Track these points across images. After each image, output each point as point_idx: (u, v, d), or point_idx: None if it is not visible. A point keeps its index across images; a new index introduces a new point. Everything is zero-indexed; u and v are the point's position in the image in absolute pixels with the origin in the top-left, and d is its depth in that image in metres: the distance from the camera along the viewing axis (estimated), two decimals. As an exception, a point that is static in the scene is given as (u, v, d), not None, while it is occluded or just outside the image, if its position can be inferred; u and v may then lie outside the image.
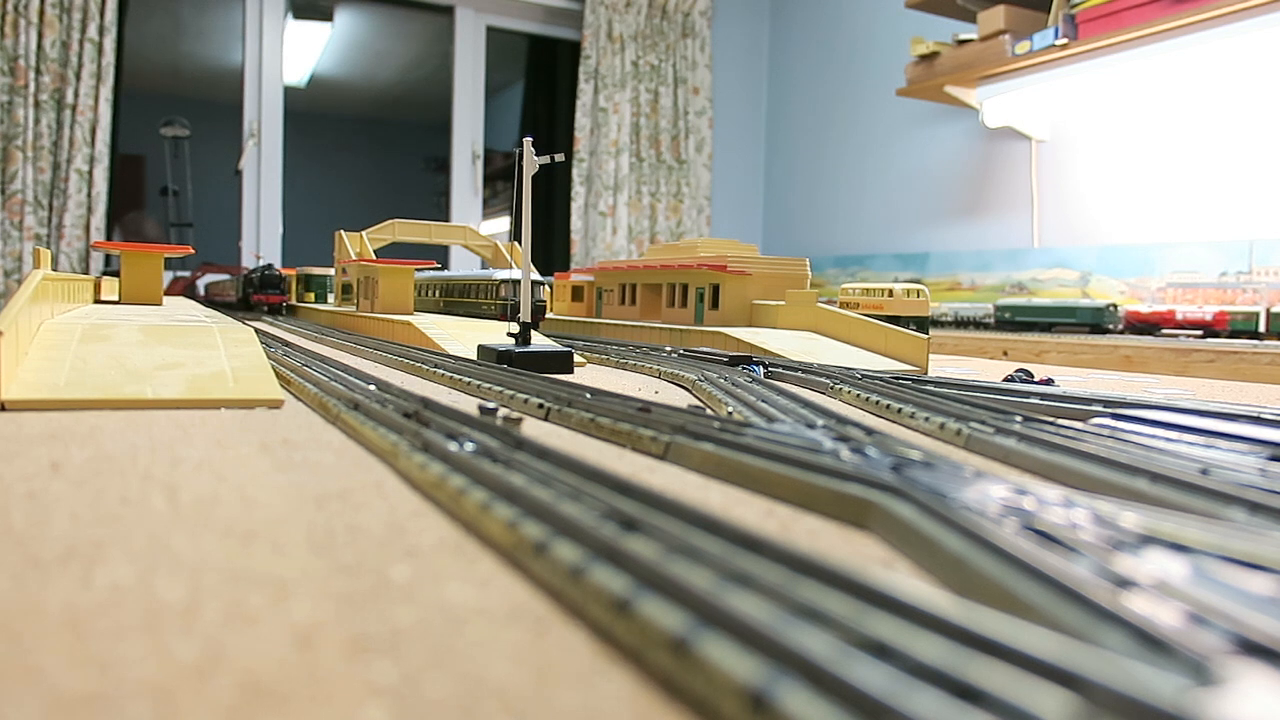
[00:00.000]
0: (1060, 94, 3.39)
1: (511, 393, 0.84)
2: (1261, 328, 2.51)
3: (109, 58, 3.68)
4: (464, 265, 3.87)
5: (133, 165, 5.39)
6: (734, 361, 1.17)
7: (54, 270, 1.27)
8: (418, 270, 1.93)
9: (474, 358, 1.17)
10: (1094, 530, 0.37)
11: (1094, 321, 2.74)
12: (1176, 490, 0.47)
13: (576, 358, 1.24)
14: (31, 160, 3.60)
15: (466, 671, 0.27)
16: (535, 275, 1.29)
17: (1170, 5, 2.63)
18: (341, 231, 2.18)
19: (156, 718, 0.23)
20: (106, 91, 3.67)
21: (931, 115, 3.99)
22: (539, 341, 1.21)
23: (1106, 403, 0.78)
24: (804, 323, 1.61)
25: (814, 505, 0.47)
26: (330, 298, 2.58)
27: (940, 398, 0.79)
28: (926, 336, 1.35)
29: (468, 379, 0.95)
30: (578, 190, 4.63)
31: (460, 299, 1.96)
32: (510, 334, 1.18)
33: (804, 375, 1.08)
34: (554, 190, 4.74)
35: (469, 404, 0.71)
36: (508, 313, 1.69)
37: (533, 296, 1.25)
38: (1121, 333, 2.73)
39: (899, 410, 0.80)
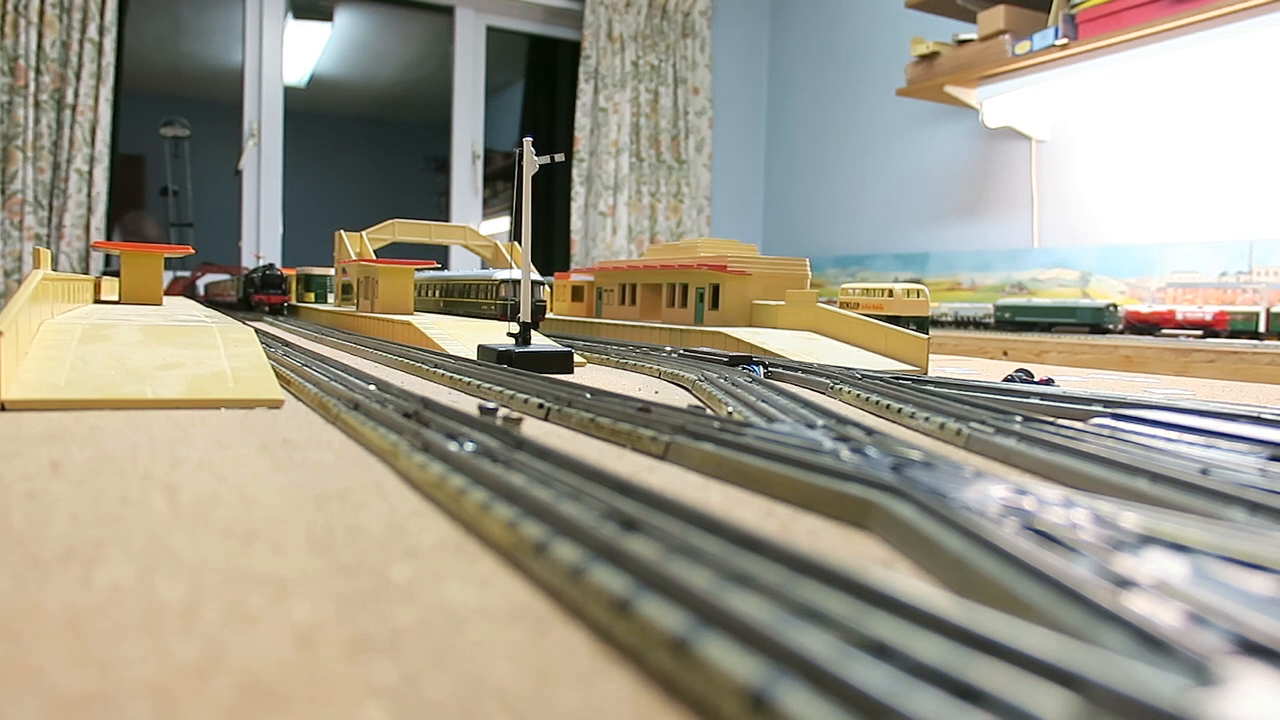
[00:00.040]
0: (1060, 94, 3.39)
1: (511, 393, 0.84)
2: (1261, 328, 2.51)
3: (109, 58, 3.68)
4: (464, 265, 3.88)
5: (133, 165, 5.39)
6: (734, 361, 1.17)
7: (54, 270, 1.27)
8: (418, 270, 1.93)
9: (474, 358, 1.17)
10: (1094, 530, 0.37)
11: (1094, 321, 2.74)
12: (1176, 490, 0.47)
13: (576, 358, 1.24)
14: (31, 160, 3.60)
15: (466, 671, 0.27)
16: (535, 275, 1.29)
17: (1170, 5, 2.63)
18: (341, 231, 2.18)
19: (156, 718, 0.23)
20: (106, 91, 3.67)
21: (931, 115, 3.99)
22: (539, 341, 1.21)
23: (1106, 403, 0.78)
24: (804, 323, 1.61)
25: (814, 505, 0.47)
26: (330, 298, 2.58)
27: (940, 398, 0.79)
28: (926, 336, 1.35)
29: (468, 379, 0.95)
30: (578, 190, 4.63)
31: (460, 299, 1.96)
32: (510, 334, 1.18)
33: (804, 375, 1.08)
34: (554, 190, 4.74)
35: (469, 404, 0.71)
36: (508, 313, 1.69)
37: (533, 296, 1.25)
38: (1121, 333, 2.73)
39: (899, 410, 0.80)
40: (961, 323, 3.24)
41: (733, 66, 5.03)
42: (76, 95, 3.63)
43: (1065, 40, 2.90)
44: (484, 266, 2.24)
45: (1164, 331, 2.67)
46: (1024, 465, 0.59)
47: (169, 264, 3.18)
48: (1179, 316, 2.66)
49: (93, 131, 3.67)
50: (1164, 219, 3.14)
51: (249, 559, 0.37)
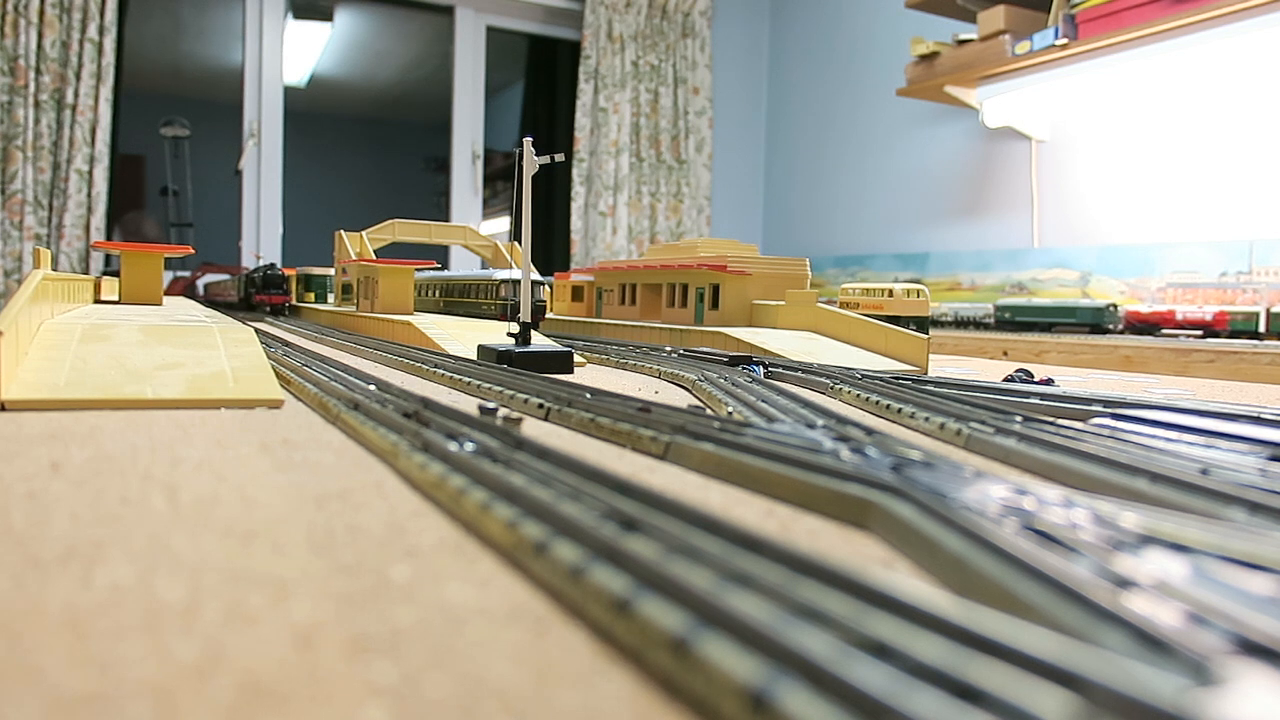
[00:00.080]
0: (1060, 94, 3.39)
1: (511, 393, 0.84)
2: (1261, 328, 2.51)
3: (109, 58, 3.68)
4: (464, 265, 3.88)
5: (133, 165, 5.39)
6: (734, 361, 1.17)
7: (54, 270, 1.27)
8: (418, 270, 1.93)
9: (474, 358, 1.17)
10: (1094, 530, 0.37)
11: (1094, 321, 2.74)
12: (1176, 490, 0.47)
13: (576, 358, 1.24)
14: (31, 160, 3.60)
15: (466, 671, 0.27)
16: (535, 275, 1.29)
17: (1170, 5, 2.63)
18: (341, 231, 2.18)
19: (156, 718, 0.23)
20: (106, 91, 3.68)
21: (931, 115, 3.99)
22: (539, 341, 1.21)
23: (1106, 403, 0.78)
24: (804, 323, 1.61)
25: (814, 505, 0.47)
26: (330, 298, 2.58)
27: (940, 398, 0.79)
28: (926, 336, 1.35)
29: (468, 379, 0.95)
30: (578, 190, 4.63)
31: (460, 299, 1.96)
32: (510, 334, 1.18)
33: (804, 375, 1.08)
34: (554, 190, 4.74)
35: (469, 404, 0.71)
36: (508, 313, 1.69)
37: (533, 296, 1.25)
38: (1121, 333, 2.73)
39: (899, 410, 0.80)
40: (961, 323, 3.24)
41: (733, 66, 5.03)
42: (76, 95, 3.63)
43: (1065, 40, 2.90)
44: (484, 266, 2.24)
45: (1164, 331, 2.67)
46: (1024, 465, 0.59)
47: (169, 264, 3.18)
48: (1179, 316, 2.66)
49: (93, 131, 3.67)
50: (1164, 219, 3.14)
51: (249, 559, 0.37)
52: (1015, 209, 3.66)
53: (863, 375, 1.02)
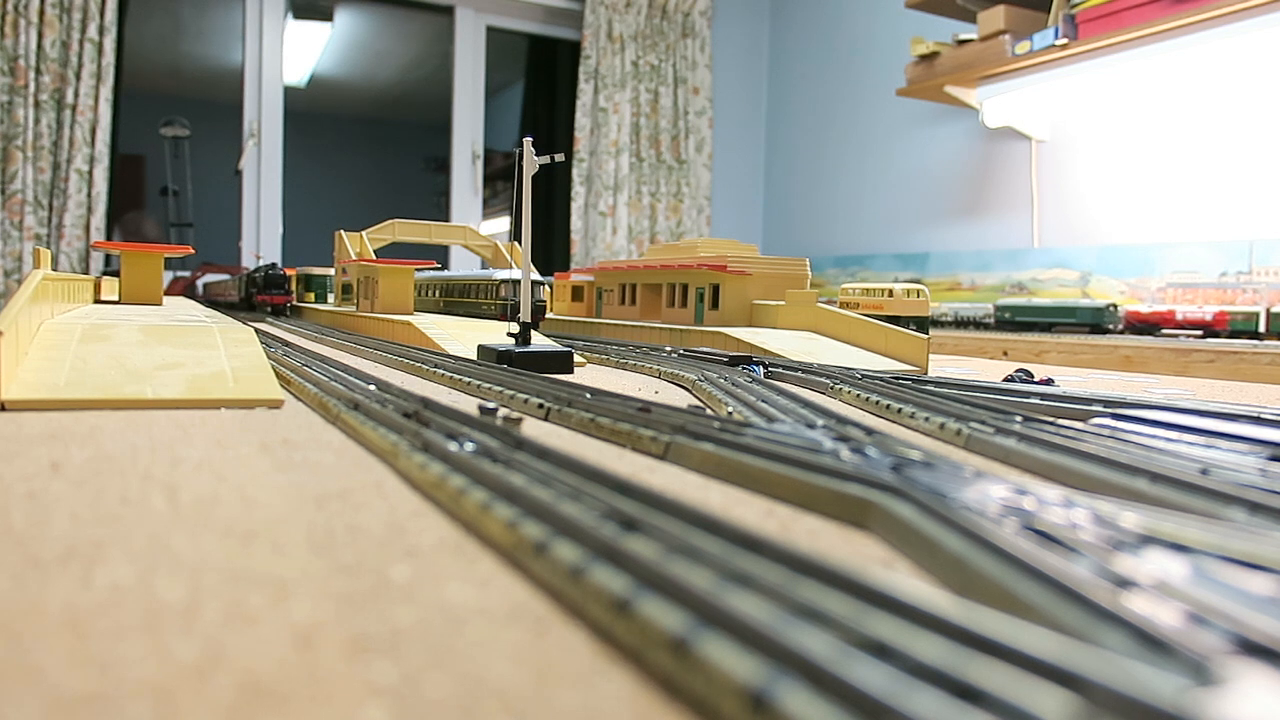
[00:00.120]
0: (1060, 94, 3.39)
1: (511, 393, 0.84)
2: (1261, 328, 2.51)
3: (109, 58, 3.68)
4: (464, 265, 3.88)
5: (133, 165, 5.39)
6: (734, 361, 1.17)
7: (54, 270, 1.27)
8: (418, 270, 1.93)
9: (474, 358, 1.17)
10: (1094, 530, 0.37)
11: (1094, 321, 2.74)
12: (1176, 490, 0.47)
13: (576, 358, 1.24)
14: (31, 160, 3.60)
15: (466, 671, 0.27)
16: (535, 275, 1.29)
17: (1170, 5, 2.63)
18: (341, 231, 2.18)
19: (156, 718, 0.23)
20: (106, 91, 3.68)
21: (931, 115, 3.99)
22: (539, 341, 1.21)
23: (1106, 403, 0.78)
24: (804, 323, 1.61)
25: (814, 505, 0.47)
26: (330, 298, 2.58)
27: (940, 398, 0.79)
28: (926, 336, 1.35)
29: (468, 379, 0.95)
30: (578, 190, 4.63)
31: (460, 299, 1.96)
32: (510, 334, 1.18)
33: (804, 375, 1.08)
34: (554, 190, 4.74)
35: (469, 404, 0.71)
36: (508, 313, 1.69)
37: (533, 296, 1.25)
38: (1121, 333, 2.73)
39: (899, 410, 0.80)
40: (961, 323, 3.24)
41: (733, 66, 5.03)
42: (76, 95, 3.63)
43: (1065, 40, 2.90)
44: (484, 266, 2.24)
45: (1164, 331, 2.67)
46: (1024, 465, 0.59)
47: (169, 264, 3.18)
48: (1179, 316, 2.66)
49: (93, 131, 3.67)
50: (1164, 219, 3.14)
51: (249, 559, 0.37)
52: (1015, 209, 3.66)
53: (863, 375, 1.02)
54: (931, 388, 0.90)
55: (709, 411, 0.70)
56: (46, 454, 0.55)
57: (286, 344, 1.29)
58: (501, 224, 5.53)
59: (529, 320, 1.17)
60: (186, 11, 5.43)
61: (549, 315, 2.15)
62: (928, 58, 3.46)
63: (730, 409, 0.79)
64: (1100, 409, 0.76)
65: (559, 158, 1.13)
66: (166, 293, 2.34)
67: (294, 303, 2.55)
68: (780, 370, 1.14)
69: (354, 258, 2.06)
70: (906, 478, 0.46)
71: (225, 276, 3.21)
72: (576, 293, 2.28)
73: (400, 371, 1.14)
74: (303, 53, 5.56)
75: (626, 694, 0.26)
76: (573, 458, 0.47)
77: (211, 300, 3.03)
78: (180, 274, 3.73)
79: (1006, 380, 1.05)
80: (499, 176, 5.36)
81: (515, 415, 0.65)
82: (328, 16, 5.14)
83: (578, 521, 0.36)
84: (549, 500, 0.39)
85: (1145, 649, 0.24)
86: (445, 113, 4.71)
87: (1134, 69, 3.04)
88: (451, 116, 4.65)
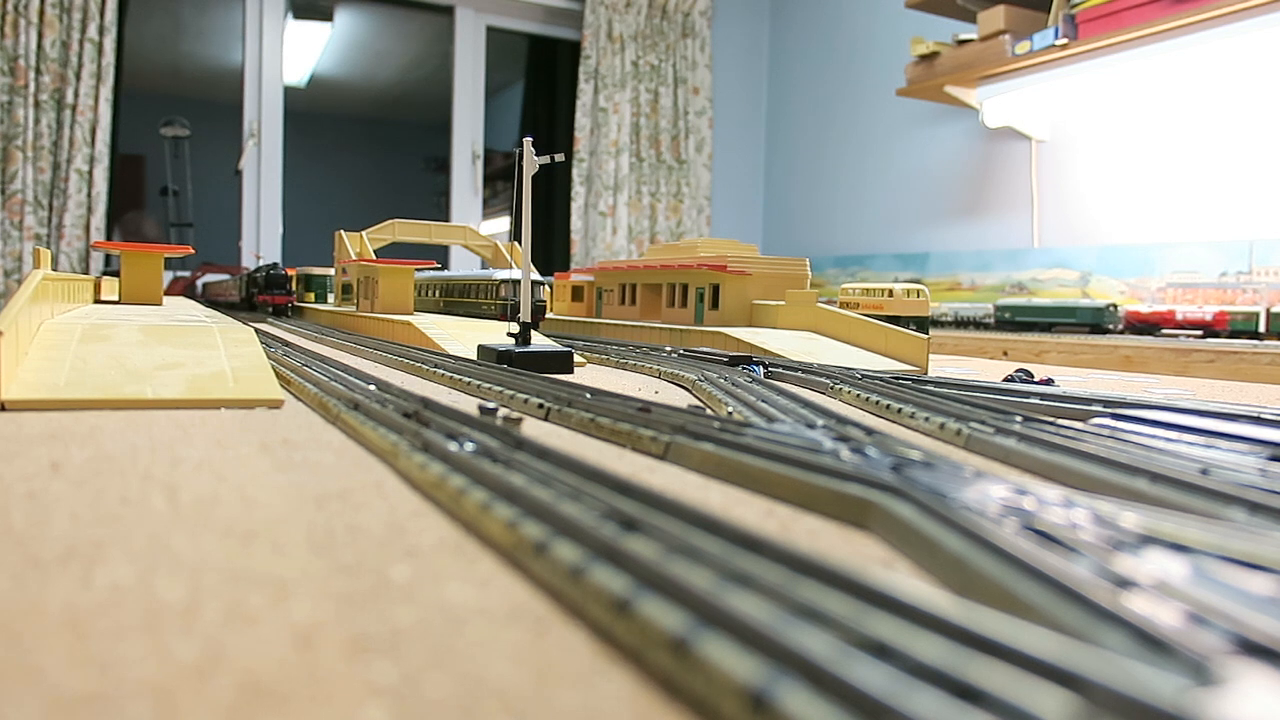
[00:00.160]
0: (1060, 94, 3.39)
1: (511, 393, 0.84)
2: (1261, 328, 2.51)
3: (109, 58, 3.68)
4: (464, 265, 3.88)
5: (133, 165, 5.39)
6: (734, 361, 1.17)
7: (54, 270, 1.27)
8: (418, 270, 1.93)
9: (474, 358, 1.17)
10: (1094, 530, 0.37)
11: (1094, 321, 2.74)
12: (1176, 490, 0.47)
13: (576, 358, 1.24)
14: (31, 160, 3.60)
15: (466, 671, 0.27)
16: (535, 275, 1.29)
17: (1170, 5, 2.63)
18: (341, 231, 2.18)
19: (156, 718, 0.23)
20: (106, 91, 3.68)
21: (931, 115, 3.99)
22: (539, 341, 1.21)
23: (1106, 403, 0.78)
24: (804, 323, 1.61)
25: (814, 505, 0.47)
26: (330, 298, 2.57)
27: (940, 398, 0.79)
28: (926, 336, 1.35)
29: (468, 379, 0.95)
30: (578, 190, 4.63)
31: (460, 299, 1.96)
32: (510, 334, 1.18)
33: (804, 375, 1.08)
34: (554, 190, 4.74)
35: (469, 404, 0.71)
36: (508, 313, 1.69)
37: (533, 296, 1.25)
38: (1121, 333, 2.73)
39: (899, 410, 0.80)
40: (961, 323, 3.24)
41: (733, 66, 5.03)
42: (76, 95, 3.63)
43: (1065, 40, 2.90)
44: (484, 266, 2.24)
45: (1164, 331, 2.67)
46: (1024, 465, 0.59)
47: (169, 264, 3.18)
48: (1179, 316, 2.66)
49: (93, 131, 3.67)
50: (1164, 219, 3.14)
51: (249, 559, 0.37)
52: (1015, 209, 3.66)
53: (863, 375, 1.02)
54: (931, 388, 0.90)
55: (709, 411, 0.70)
56: (46, 454, 0.55)
57: (286, 344, 1.29)
58: (501, 224, 5.53)
59: (529, 320, 1.17)
60: (186, 11, 5.43)
61: (549, 315, 2.15)
62: (928, 58, 3.46)
63: (730, 409, 0.79)
64: (1100, 409, 0.76)
65: (559, 158, 1.13)
66: (166, 293, 2.34)
67: (296, 303, 2.52)
68: (780, 370, 1.14)
69: (354, 258, 2.06)
70: (906, 478, 0.46)
71: (225, 276, 3.21)
72: (576, 293, 2.28)
73: (400, 371, 1.14)
74: (303, 53, 5.56)
75: (626, 694, 0.26)
76: (573, 458, 0.47)
77: (211, 300, 3.03)
78: (180, 274, 3.73)
79: (1006, 380, 1.05)
80: (499, 176, 5.36)
81: (515, 415, 0.65)
82: (328, 16, 5.14)
83: (578, 521, 0.36)
84: (549, 500, 0.39)
85: (1145, 649, 0.24)
86: (445, 113, 4.71)
87: (1134, 69, 3.04)
88: (451, 116, 4.65)
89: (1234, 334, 2.54)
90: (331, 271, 2.53)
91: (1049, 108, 3.49)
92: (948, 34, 3.49)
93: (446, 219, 4.64)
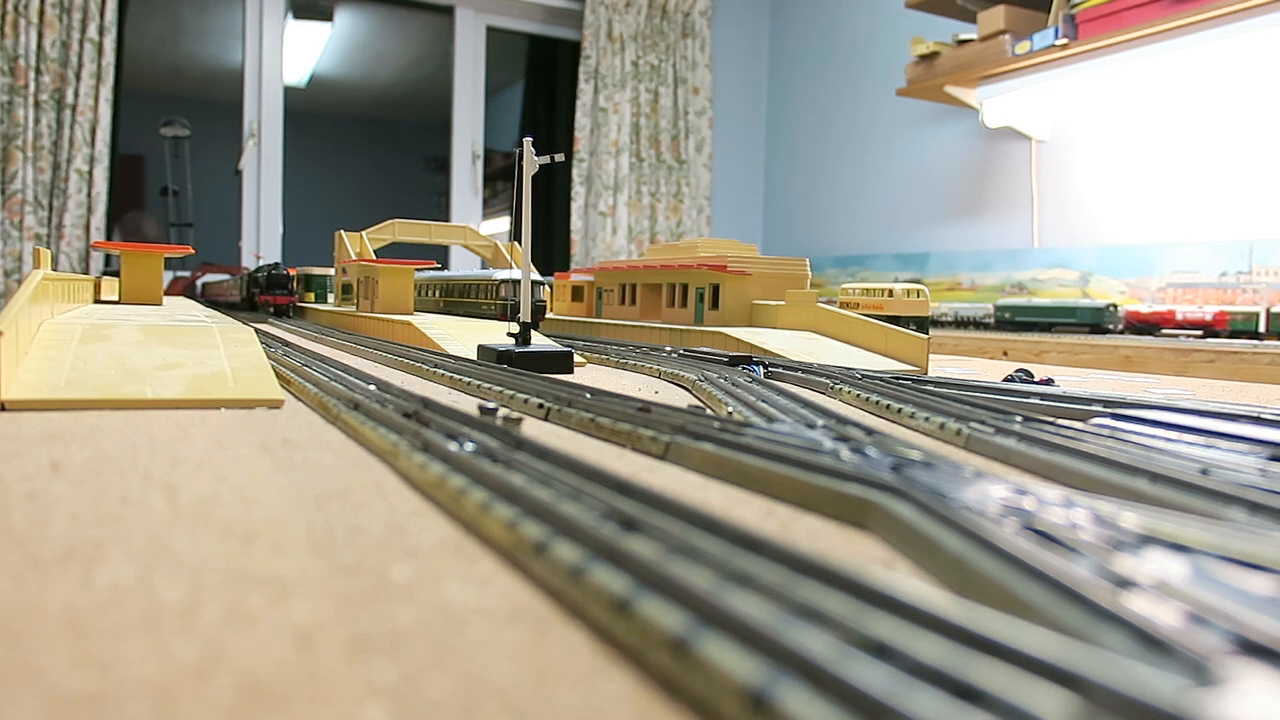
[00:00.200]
0: (1060, 94, 3.39)
1: (511, 393, 0.84)
2: (1261, 328, 2.51)
3: (109, 58, 3.68)
4: (464, 265, 3.88)
5: (133, 165, 5.39)
6: (734, 361, 1.17)
7: (54, 270, 1.27)
8: (418, 270, 1.93)
9: (474, 358, 1.17)
10: (1094, 530, 0.37)
11: (1094, 321, 2.74)
12: (1176, 490, 0.47)
13: (576, 358, 1.24)
14: (31, 160, 3.60)
15: (466, 671, 0.27)
16: (535, 275, 1.29)
17: (1170, 5, 2.63)
18: (341, 231, 2.18)
19: (156, 718, 0.23)
20: (106, 91, 3.68)
21: (931, 115, 3.99)
22: (539, 341, 1.21)
23: (1106, 403, 0.78)
24: (804, 323, 1.61)
25: (814, 505, 0.47)
26: (330, 298, 2.57)
27: (940, 398, 0.79)
28: (926, 336, 1.35)
29: (468, 379, 0.95)
30: (578, 190, 4.63)
31: (460, 299, 1.96)
32: (510, 334, 1.18)
33: (804, 375, 1.08)
34: (554, 190, 4.74)
35: (469, 404, 0.71)
36: (508, 313, 1.69)
37: (533, 296, 1.25)
38: (1121, 333, 2.73)
39: (899, 410, 0.80)
40: (961, 323, 3.24)
41: (733, 66, 5.03)
42: (76, 95, 3.63)
43: (1065, 40, 2.90)
44: (484, 266, 2.24)
45: (1164, 331, 2.67)
46: (1024, 465, 0.59)
47: (169, 264, 3.17)
48: (1179, 316, 2.66)
49: (93, 131, 3.67)
50: (1164, 219, 3.14)
51: (249, 559, 0.37)
52: (1015, 209, 3.66)
53: (863, 375, 1.02)
54: (931, 388, 0.90)
55: (709, 411, 0.70)
56: (46, 454, 0.55)
57: (286, 344, 1.29)
58: (501, 224, 5.53)
59: (529, 320, 1.17)
60: (186, 11, 5.43)
61: (549, 315, 2.15)
62: (928, 58, 3.46)
63: (730, 409, 0.79)
64: (1100, 409, 0.76)
65: (559, 158, 1.13)
66: (166, 293, 2.34)
67: (298, 303, 2.50)
68: (780, 370, 1.14)
69: (354, 258, 2.06)
70: (906, 478, 0.46)
71: (225, 276, 3.20)
72: (576, 293, 2.28)
73: (400, 371, 1.14)
74: (303, 53, 5.56)
75: (626, 694, 0.26)
76: (573, 458, 0.47)
77: (211, 300, 3.02)
78: (180, 274, 3.73)
79: (1006, 380, 1.05)
80: (499, 176, 5.36)
81: (515, 415, 0.65)
82: (328, 16, 5.14)
83: (578, 521, 0.36)
84: (549, 500, 0.39)
85: (1145, 649, 0.24)
86: (445, 113, 4.71)
87: (1134, 69, 3.04)
88: (451, 116, 4.65)
89: (1234, 334, 2.54)
90: (331, 271, 2.53)
91: (1049, 108, 3.49)
92: (948, 34, 3.49)
93: (446, 219, 4.64)
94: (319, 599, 0.32)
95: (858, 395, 0.90)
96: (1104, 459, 0.53)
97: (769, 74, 5.13)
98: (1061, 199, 3.49)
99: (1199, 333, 2.58)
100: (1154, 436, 0.64)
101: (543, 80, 5.12)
